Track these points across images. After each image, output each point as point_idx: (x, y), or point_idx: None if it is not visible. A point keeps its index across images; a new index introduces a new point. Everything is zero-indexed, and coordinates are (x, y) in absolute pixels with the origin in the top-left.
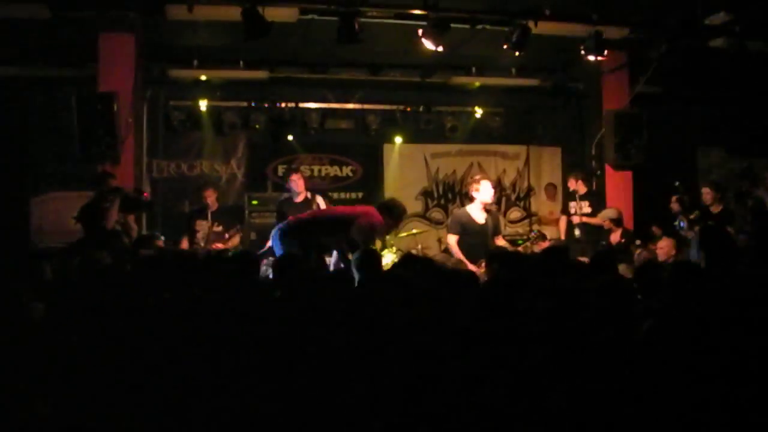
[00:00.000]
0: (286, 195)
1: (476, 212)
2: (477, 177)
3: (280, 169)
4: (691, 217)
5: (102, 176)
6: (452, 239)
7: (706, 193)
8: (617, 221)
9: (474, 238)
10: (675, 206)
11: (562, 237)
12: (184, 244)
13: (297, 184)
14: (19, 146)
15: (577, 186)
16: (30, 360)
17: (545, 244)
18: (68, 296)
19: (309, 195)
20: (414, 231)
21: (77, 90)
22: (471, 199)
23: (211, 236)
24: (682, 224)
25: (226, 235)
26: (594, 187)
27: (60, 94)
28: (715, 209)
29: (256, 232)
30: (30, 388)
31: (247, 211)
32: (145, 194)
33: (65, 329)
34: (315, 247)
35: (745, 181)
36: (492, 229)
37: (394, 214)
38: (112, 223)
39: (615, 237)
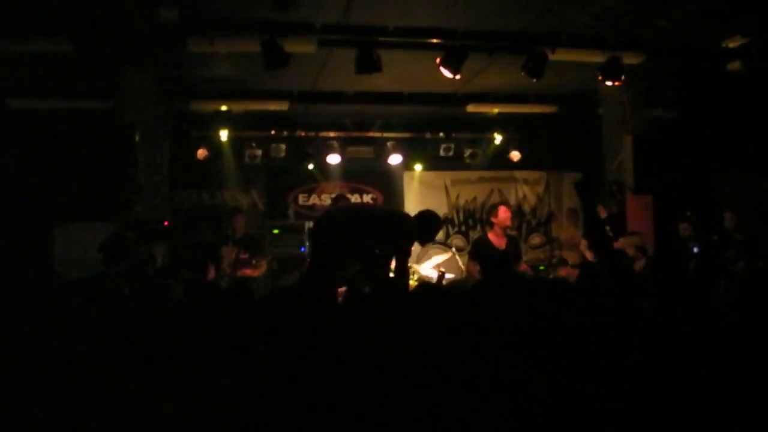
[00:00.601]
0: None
1: (496, 238)
2: (495, 203)
3: (301, 198)
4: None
5: (125, 205)
6: (474, 267)
7: (729, 219)
8: (642, 249)
9: (494, 263)
10: (684, 231)
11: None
12: (211, 273)
13: None
14: (42, 177)
15: (598, 210)
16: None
17: (566, 270)
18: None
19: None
20: (436, 259)
21: (100, 122)
22: (491, 225)
23: (239, 263)
24: (695, 249)
25: (253, 261)
26: (615, 211)
27: (83, 126)
28: (738, 237)
29: (277, 261)
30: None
31: (268, 240)
32: (165, 223)
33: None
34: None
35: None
36: (512, 254)
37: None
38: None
39: (639, 265)
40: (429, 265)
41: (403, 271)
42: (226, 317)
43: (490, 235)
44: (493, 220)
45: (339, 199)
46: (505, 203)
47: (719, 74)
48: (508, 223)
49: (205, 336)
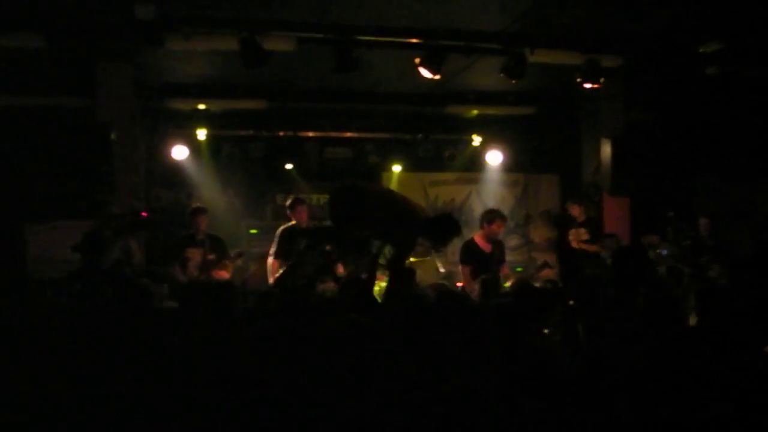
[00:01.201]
0: (287, 225)
1: (483, 242)
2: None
3: (279, 198)
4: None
5: (100, 205)
6: (466, 270)
7: (704, 224)
8: None
9: (481, 266)
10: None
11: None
12: (178, 274)
13: (302, 215)
14: (16, 176)
15: (576, 212)
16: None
17: (547, 272)
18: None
19: (310, 224)
20: (411, 259)
21: (75, 120)
22: (481, 229)
23: (206, 264)
24: (663, 252)
25: (223, 262)
26: (593, 214)
27: (57, 123)
28: (710, 242)
29: (255, 261)
30: None
31: (245, 240)
32: (143, 213)
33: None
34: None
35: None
36: (498, 257)
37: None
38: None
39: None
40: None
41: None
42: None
43: (477, 239)
44: (486, 226)
45: (296, 203)
46: (501, 216)
47: (697, 78)
48: (499, 236)
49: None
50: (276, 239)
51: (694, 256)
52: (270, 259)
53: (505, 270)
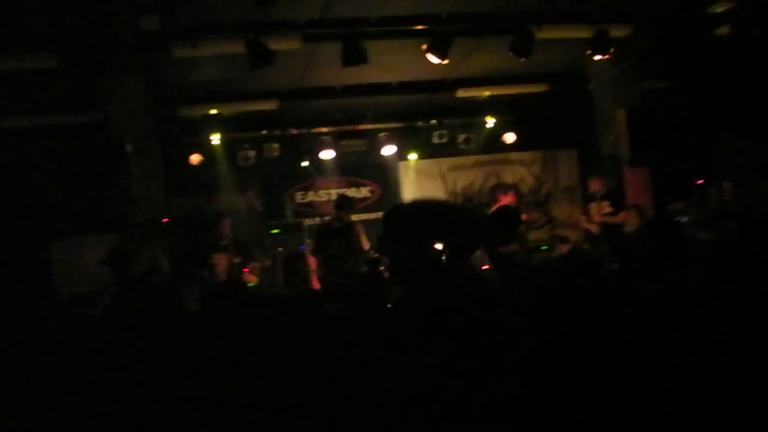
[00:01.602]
0: (322, 220)
1: None
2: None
3: (298, 196)
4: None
5: (122, 217)
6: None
7: (728, 188)
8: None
9: None
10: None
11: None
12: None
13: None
14: (37, 194)
15: (597, 186)
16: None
17: (566, 247)
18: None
19: (348, 220)
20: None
21: (90, 135)
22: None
23: (233, 268)
24: (684, 218)
25: (249, 265)
26: (614, 187)
27: (73, 140)
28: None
29: (282, 260)
30: None
31: (268, 240)
32: (164, 219)
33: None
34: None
35: None
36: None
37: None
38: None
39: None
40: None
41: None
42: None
43: None
44: (493, 204)
45: (341, 200)
46: (503, 188)
47: (708, 40)
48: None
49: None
50: (315, 237)
51: (718, 221)
52: (310, 257)
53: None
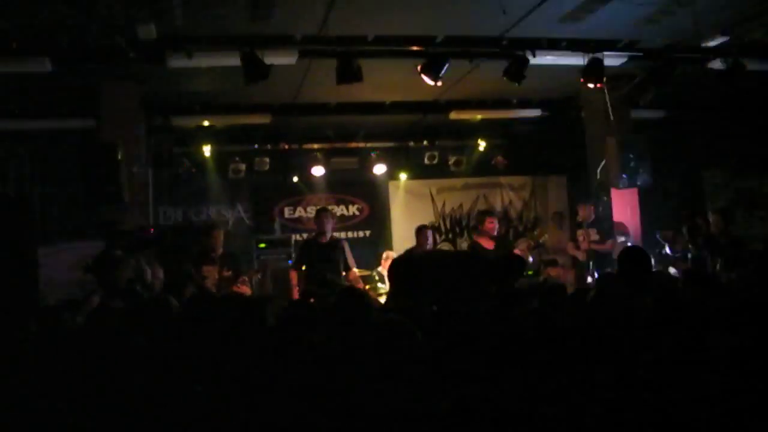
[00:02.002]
0: (309, 235)
1: (485, 241)
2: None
3: (287, 211)
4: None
5: (109, 224)
6: None
7: (715, 221)
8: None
9: None
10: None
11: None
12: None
13: (330, 224)
14: (25, 198)
15: (585, 213)
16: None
17: (556, 270)
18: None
19: (334, 236)
20: None
21: (81, 141)
22: (479, 232)
23: (223, 282)
24: (666, 251)
25: (240, 278)
26: (601, 214)
27: (64, 146)
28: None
29: (270, 276)
30: None
31: (255, 254)
32: (150, 230)
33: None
34: None
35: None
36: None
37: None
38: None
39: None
40: None
41: None
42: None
43: (480, 240)
44: (480, 228)
45: (321, 212)
46: (491, 213)
47: (701, 73)
48: (494, 232)
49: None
50: (298, 250)
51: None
52: (291, 272)
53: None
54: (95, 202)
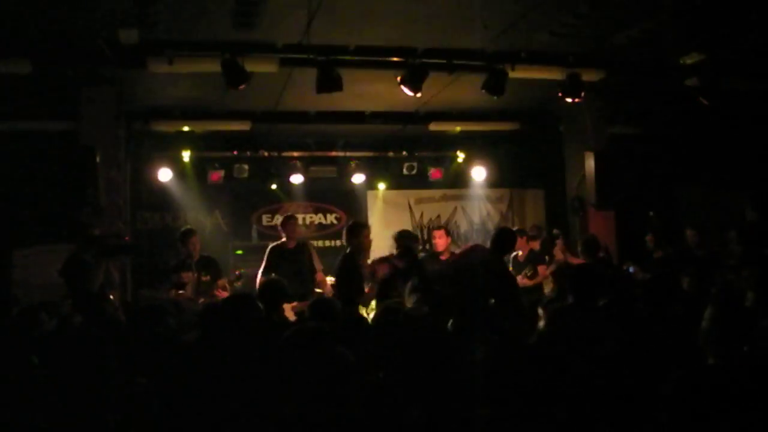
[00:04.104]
0: (277, 242)
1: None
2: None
3: (265, 218)
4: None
5: (81, 227)
6: None
7: (691, 236)
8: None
9: None
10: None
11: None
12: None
13: (293, 232)
14: (1, 199)
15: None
16: None
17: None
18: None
19: (299, 241)
20: None
21: (59, 144)
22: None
23: (201, 287)
24: (630, 269)
25: (218, 283)
26: (577, 227)
27: (42, 147)
28: (699, 253)
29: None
30: None
31: (231, 261)
32: (126, 238)
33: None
34: None
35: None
36: None
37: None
38: (98, 283)
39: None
40: None
41: None
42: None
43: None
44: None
45: (288, 220)
46: (436, 226)
47: (678, 90)
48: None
49: None
50: (265, 257)
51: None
52: (259, 277)
53: None
54: (73, 205)
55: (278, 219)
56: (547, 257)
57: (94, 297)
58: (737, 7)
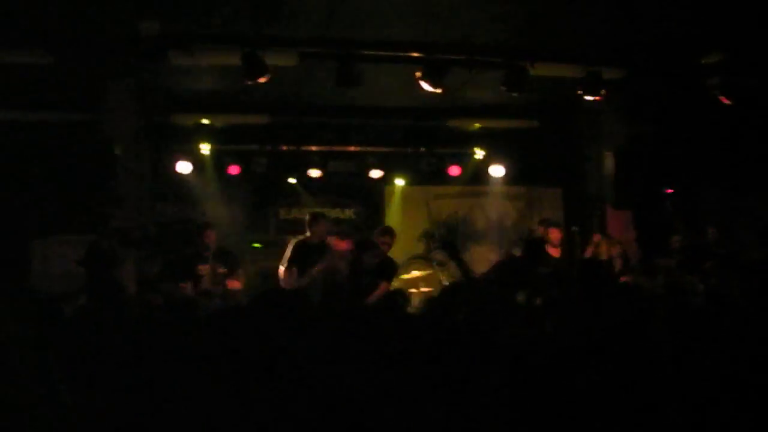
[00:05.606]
0: (301, 237)
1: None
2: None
3: (282, 212)
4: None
5: (103, 218)
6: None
7: (712, 234)
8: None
9: None
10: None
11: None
12: (188, 290)
13: (322, 230)
14: (21, 190)
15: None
16: None
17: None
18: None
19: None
20: (415, 274)
21: (80, 135)
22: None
23: (217, 278)
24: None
25: (235, 274)
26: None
27: (63, 138)
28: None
29: (259, 275)
30: None
31: (249, 255)
32: (149, 227)
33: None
34: None
35: None
36: None
37: None
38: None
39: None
40: (406, 278)
41: None
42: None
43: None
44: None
45: (316, 219)
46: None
47: (699, 90)
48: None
49: None
50: (289, 251)
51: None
52: (281, 269)
53: None
54: (92, 196)
55: (296, 213)
56: None
57: (115, 286)
58: (759, 6)
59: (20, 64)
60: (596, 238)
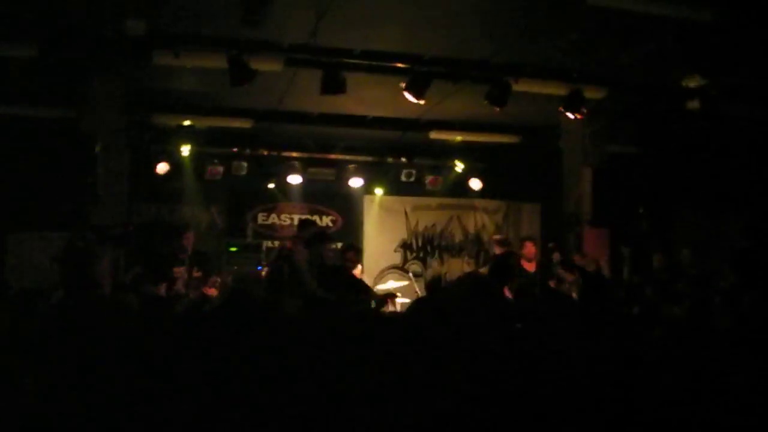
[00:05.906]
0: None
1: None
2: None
3: (260, 217)
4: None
5: (81, 215)
6: None
7: (685, 255)
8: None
9: None
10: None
11: None
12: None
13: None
14: None
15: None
16: None
17: None
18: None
19: None
20: (392, 284)
21: (60, 131)
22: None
23: (192, 282)
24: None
25: (210, 279)
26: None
27: (42, 133)
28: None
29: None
30: None
31: (225, 258)
32: (130, 228)
33: None
34: None
35: None
36: None
37: None
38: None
39: None
40: (383, 289)
41: None
42: None
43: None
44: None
45: (306, 224)
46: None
47: (678, 112)
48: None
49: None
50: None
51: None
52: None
53: None
54: (70, 193)
55: (274, 218)
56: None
57: (92, 284)
58: (740, 34)
59: (2, 57)
60: (555, 257)
